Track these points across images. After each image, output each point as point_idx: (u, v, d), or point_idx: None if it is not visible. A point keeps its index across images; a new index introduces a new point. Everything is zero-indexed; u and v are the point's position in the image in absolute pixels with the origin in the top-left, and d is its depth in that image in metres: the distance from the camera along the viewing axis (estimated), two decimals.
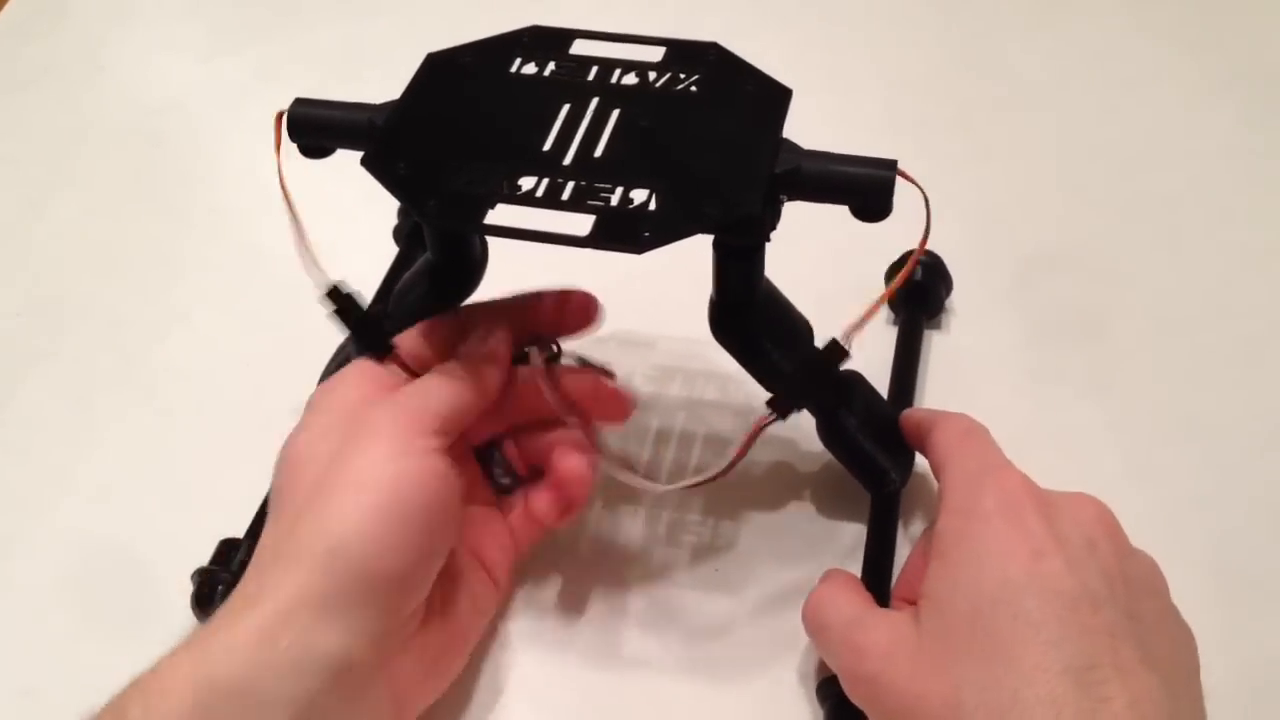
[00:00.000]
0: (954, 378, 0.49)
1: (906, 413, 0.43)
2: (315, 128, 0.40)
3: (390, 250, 0.53)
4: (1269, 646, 0.41)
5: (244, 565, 0.41)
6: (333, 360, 0.48)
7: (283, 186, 0.40)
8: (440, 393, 0.38)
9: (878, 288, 0.51)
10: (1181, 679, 0.34)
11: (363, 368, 0.40)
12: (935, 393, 0.49)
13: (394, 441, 0.36)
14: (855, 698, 0.36)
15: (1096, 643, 0.32)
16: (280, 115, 0.40)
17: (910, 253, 0.50)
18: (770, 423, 0.40)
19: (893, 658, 0.34)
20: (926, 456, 0.40)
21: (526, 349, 0.41)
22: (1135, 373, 0.50)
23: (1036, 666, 0.31)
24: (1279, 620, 0.42)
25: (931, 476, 0.43)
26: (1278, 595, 0.42)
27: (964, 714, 0.32)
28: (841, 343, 0.39)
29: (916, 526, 0.44)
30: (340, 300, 0.40)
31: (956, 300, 0.52)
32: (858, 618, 0.36)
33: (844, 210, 0.37)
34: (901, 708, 0.33)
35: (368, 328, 0.41)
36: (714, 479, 0.41)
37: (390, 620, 0.35)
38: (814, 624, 0.38)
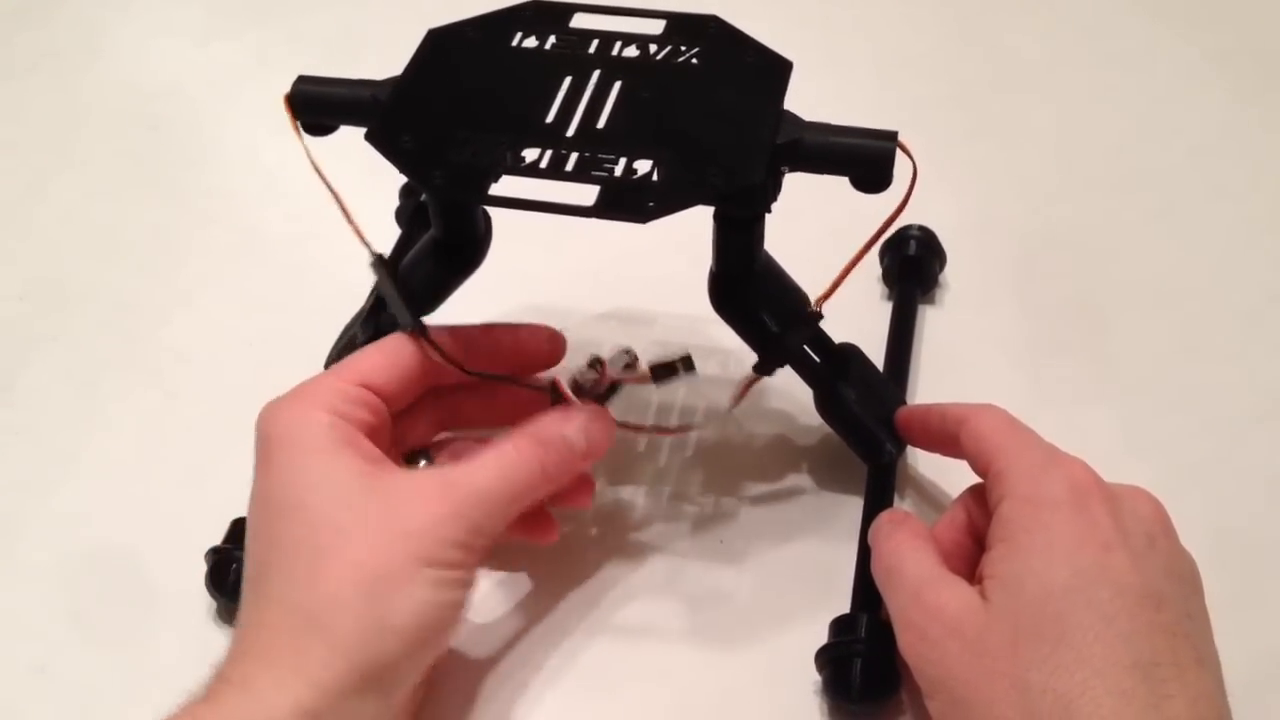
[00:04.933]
0: (949, 352, 0.50)
1: (910, 411, 0.43)
2: (319, 105, 0.40)
3: (392, 232, 0.53)
4: (1268, 613, 0.42)
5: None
6: (338, 342, 0.49)
7: (311, 160, 0.40)
8: (496, 500, 0.35)
9: (874, 264, 0.52)
10: (1221, 675, 0.34)
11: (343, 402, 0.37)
12: (930, 367, 0.49)
13: (429, 565, 0.34)
14: (912, 655, 0.36)
15: (1161, 640, 0.32)
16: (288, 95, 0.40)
17: (906, 228, 0.50)
18: (755, 381, 0.40)
19: (961, 628, 0.34)
20: (956, 449, 0.40)
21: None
22: (1132, 346, 0.50)
23: (1107, 659, 0.32)
24: (1276, 585, 0.42)
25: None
26: (1274, 563, 0.43)
27: (1030, 696, 0.32)
28: (813, 308, 0.40)
29: (911, 497, 0.45)
30: (389, 270, 0.40)
31: (951, 276, 0.52)
32: (933, 576, 0.36)
33: (845, 188, 0.38)
34: (961, 679, 0.34)
35: (410, 303, 0.40)
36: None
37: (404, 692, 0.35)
38: (888, 569, 0.38)
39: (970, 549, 0.39)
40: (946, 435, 0.40)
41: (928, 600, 0.36)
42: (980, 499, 0.38)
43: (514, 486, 0.36)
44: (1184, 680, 0.32)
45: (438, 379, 0.40)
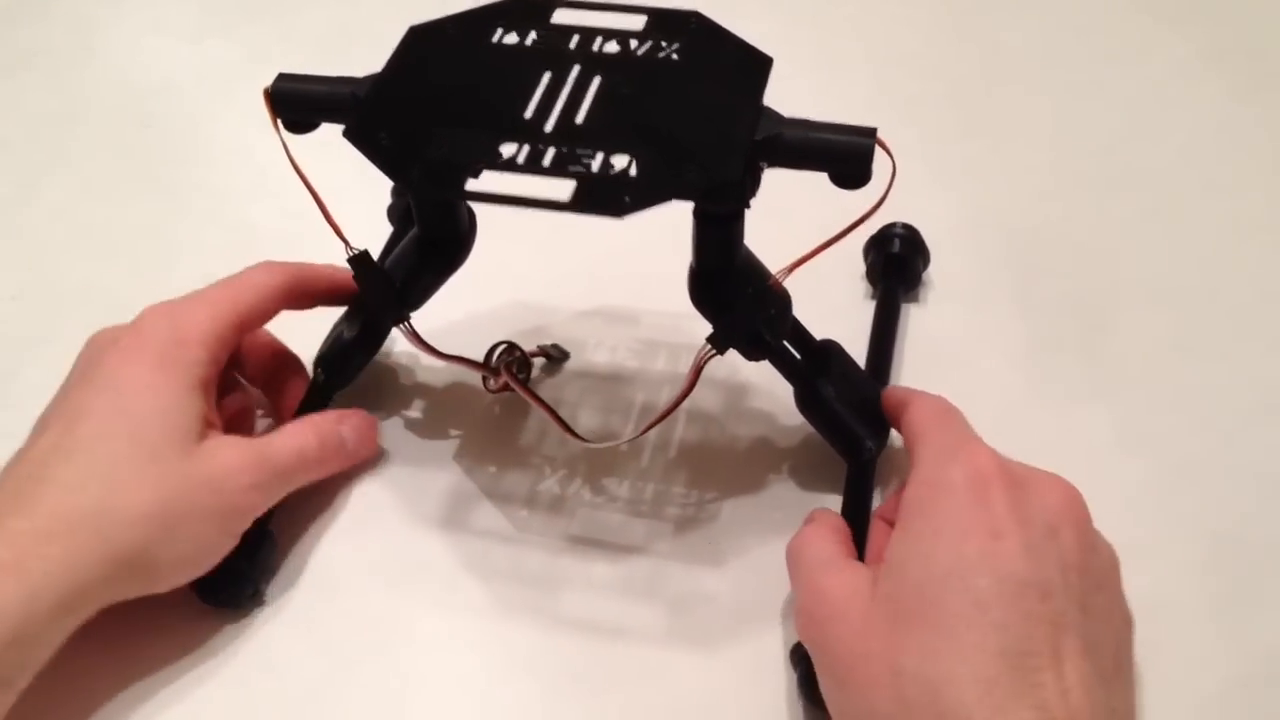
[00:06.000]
0: (933, 350, 0.50)
1: (888, 390, 0.43)
2: (299, 102, 0.40)
3: (384, 229, 0.53)
4: (1263, 610, 0.41)
5: (243, 543, 0.42)
6: (327, 340, 0.49)
7: (290, 157, 0.40)
8: (288, 475, 0.43)
9: (857, 261, 0.52)
10: (1118, 671, 0.34)
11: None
12: (914, 365, 0.49)
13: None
14: (804, 638, 0.37)
15: (1038, 630, 0.32)
16: (267, 91, 0.40)
17: (889, 226, 0.50)
18: (710, 356, 0.40)
19: (845, 610, 0.35)
20: (901, 433, 0.41)
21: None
22: (1124, 344, 0.50)
23: (975, 645, 0.32)
24: (1270, 585, 0.42)
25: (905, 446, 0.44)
26: (1268, 562, 0.42)
27: (901, 681, 0.32)
28: (778, 278, 0.40)
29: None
30: (365, 266, 0.43)
31: (944, 273, 0.52)
32: (828, 561, 0.37)
33: (829, 186, 0.37)
34: (842, 660, 0.34)
35: (387, 296, 0.43)
36: (655, 423, 0.43)
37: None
38: (791, 556, 0.39)
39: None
40: (896, 420, 0.41)
41: (818, 583, 0.36)
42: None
43: (301, 468, 0.43)
44: (1059, 670, 0.32)
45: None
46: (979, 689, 0.31)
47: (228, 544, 0.41)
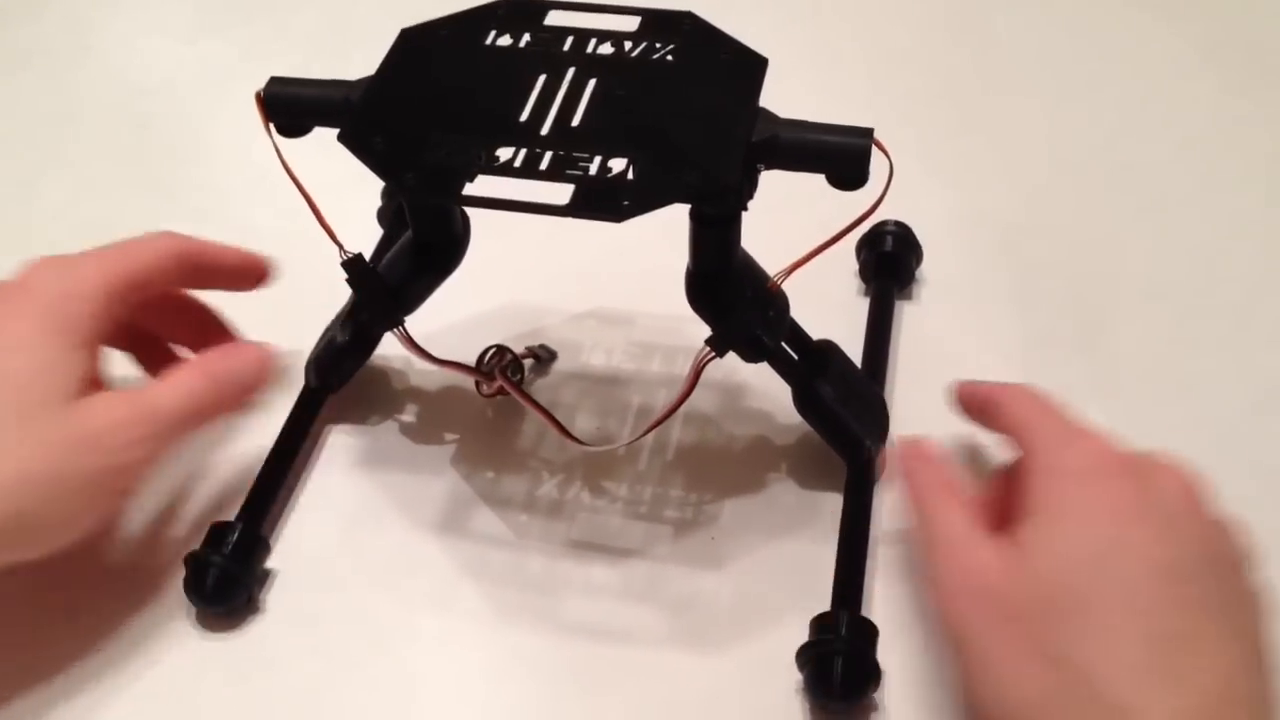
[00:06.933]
0: (927, 348, 0.50)
1: (965, 387, 0.43)
2: (292, 106, 0.40)
3: (375, 232, 0.53)
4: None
5: (236, 549, 0.42)
6: (319, 343, 0.49)
7: (282, 161, 0.40)
8: (176, 423, 0.40)
9: (850, 260, 0.52)
10: (1261, 651, 0.34)
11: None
12: (909, 364, 0.49)
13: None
14: (941, 610, 0.36)
15: (1185, 614, 0.32)
16: (259, 95, 0.40)
17: (882, 223, 0.50)
18: (710, 359, 0.40)
19: (990, 593, 0.35)
20: (994, 427, 0.41)
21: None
22: (1121, 339, 0.50)
23: (1127, 631, 0.32)
24: (1269, 578, 0.42)
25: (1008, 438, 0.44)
26: (1267, 556, 0.42)
27: (1051, 665, 0.32)
28: (776, 280, 0.40)
29: (892, 496, 0.44)
30: (359, 270, 0.43)
31: (939, 271, 0.52)
32: (967, 536, 0.37)
33: (827, 185, 0.37)
34: (986, 641, 0.34)
35: (381, 300, 0.43)
36: (655, 426, 0.42)
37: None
38: (923, 514, 0.38)
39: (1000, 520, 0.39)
40: (987, 415, 0.41)
41: (961, 561, 0.36)
42: (1013, 474, 0.39)
43: (192, 413, 0.41)
44: (1211, 653, 0.32)
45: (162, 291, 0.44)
46: (1134, 675, 0.31)
47: (117, 503, 0.39)
